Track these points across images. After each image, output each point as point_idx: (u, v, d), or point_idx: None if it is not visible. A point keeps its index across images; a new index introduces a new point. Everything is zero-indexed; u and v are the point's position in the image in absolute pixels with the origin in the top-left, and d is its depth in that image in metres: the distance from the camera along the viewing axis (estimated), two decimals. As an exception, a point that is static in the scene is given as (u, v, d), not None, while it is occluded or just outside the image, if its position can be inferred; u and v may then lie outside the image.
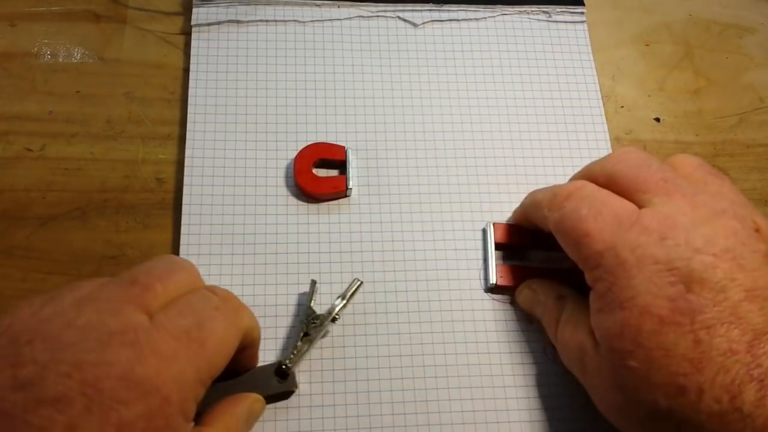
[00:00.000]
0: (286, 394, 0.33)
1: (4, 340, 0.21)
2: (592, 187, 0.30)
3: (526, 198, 0.36)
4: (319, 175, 0.39)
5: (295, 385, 0.33)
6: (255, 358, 0.31)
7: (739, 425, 0.23)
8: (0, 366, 0.21)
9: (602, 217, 0.28)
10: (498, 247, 0.38)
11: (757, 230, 0.27)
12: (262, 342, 0.32)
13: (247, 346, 0.29)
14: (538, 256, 0.39)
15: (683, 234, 0.26)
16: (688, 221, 0.26)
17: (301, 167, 0.38)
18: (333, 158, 0.39)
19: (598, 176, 0.31)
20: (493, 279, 0.37)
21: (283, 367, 0.32)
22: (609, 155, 0.31)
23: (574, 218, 0.29)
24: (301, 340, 0.33)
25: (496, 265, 0.37)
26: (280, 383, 0.32)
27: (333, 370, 0.34)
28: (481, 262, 0.38)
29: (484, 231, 0.39)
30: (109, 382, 0.21)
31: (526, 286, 0.36)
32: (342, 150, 0.39)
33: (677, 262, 0.25)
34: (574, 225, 0.28)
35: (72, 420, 0.20)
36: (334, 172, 0.40)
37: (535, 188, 0.38)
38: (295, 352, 0.33)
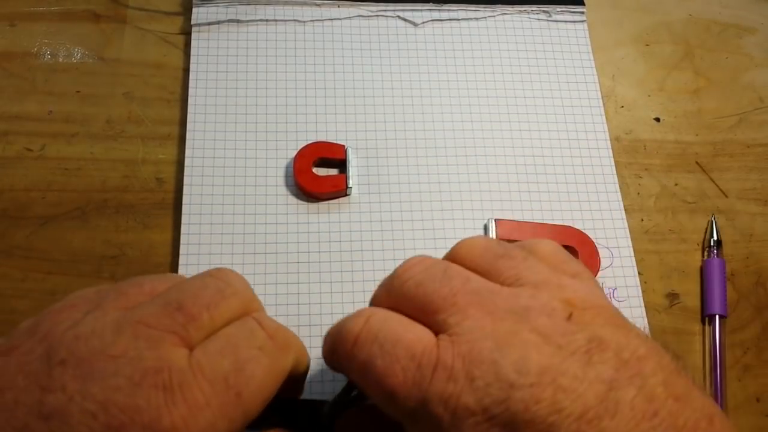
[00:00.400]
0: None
1: (39, 352, 0.21)
2: (379, 317, 0.25)
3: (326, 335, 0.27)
4: (319, 174, 0.39)
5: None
6: (299, 391, 0.29)
7: None
8: (30, 384, 0.20)
9: (400, 366, 0.23)
10: None
11: (569, 317, 0.23)
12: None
13: (296, 374, 0.26)
14: None
15: (491, 368, 0.22)
16: (492, 347, 0.22)
17: (301, 166, 0.38)
18: (333, 157, 0.39)
19: (388, 298, 0.26)
20: None
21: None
22: (392, 275, 0.26)
23: (372, 375, 0.24)
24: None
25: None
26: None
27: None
28: None
29: (485, 227, 0.39)
30: (133, 429, 0.20)
31: None
32: (342, 149, 0.39)
33: (494, 409, 0.21)
34: (375, 383, 0.23)
35: None
36: (333, 171, 0.40)
37: (535, 187, 0.38)
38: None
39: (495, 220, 0.38)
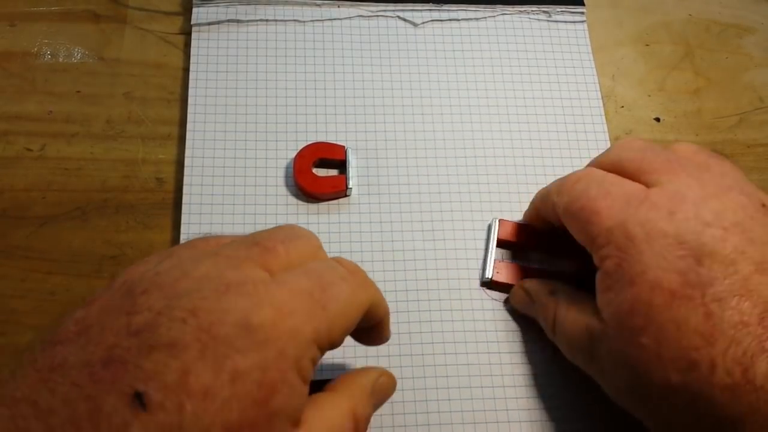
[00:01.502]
0: None
1: (120, 293, 0.21)
2: (600, 172, 0.30)
3: (536, 195, 0.37)
4: (319, 174, 0.39)
5: None
6: (381, 336, 0.29)
7: (752, 397, 0.23)
8: (115, 315, 0.20)
9: (611, 196, 0.28)
10: (501, 244, 0.38)
11: (764, 206, 0.27)
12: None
13: (376, 324, 0.27)
14: (540, 258, 0.39)
15: (692, 208, 0.26)
16: (696, 196, 0.27)
17: (301, 167, 0.38)
18: (333, 158, 0.39)
19: (604, 165, 0.31)
20: (489, 273, 0.37)
21: None
22: (613, 145, 0.32)
23: (584, 198, 0.29)
24: None
25: (495, 260, 0.37)
26: None
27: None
28: (480, 261, 0.38)
29: (489, 226, 0.39)
30: (224, 328, 0.20)
31: (518, 288, 0.36)
32: (342, 149, 0.39)
33: (687, 236, 0.25)
34: (583, 205, 0.29)
35: (186, 365, 0.19)
36: (333, 172, 0.40)
37: (535, 188, 0.38)
38: None
39: (498, 220, 0.38)
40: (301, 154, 0.38)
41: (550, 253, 0.38)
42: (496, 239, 0.38)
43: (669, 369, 0.25)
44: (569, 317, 0.30)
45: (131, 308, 0.20)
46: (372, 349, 0.35)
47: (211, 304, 0.20)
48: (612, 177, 0.29)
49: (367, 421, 0.25)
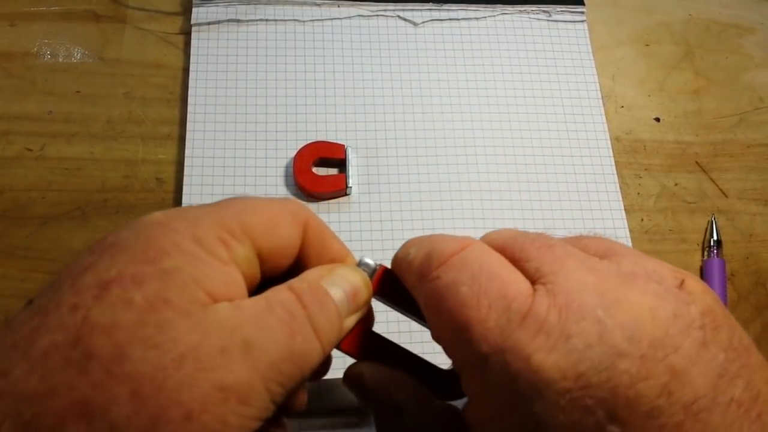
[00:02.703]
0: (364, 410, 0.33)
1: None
2: (478, 251, 0.22)
3: (403, 246, 0.26)
4: (319, 174, 0.39)
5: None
6: (327, 245, 0.23)
7: None
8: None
9: (487, 302, 0.20)
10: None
11: (681, 285, 0.20)
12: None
13: (314, 238, 0.22)
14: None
15: (595, 327, 0.18)
16: (596, 302, 0.19)
17: (301, 166, 0.38)
18: (333, 157, 0.39)
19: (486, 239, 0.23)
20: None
21: None
22: (484, 235, 0.24)
23: (451, 299, 0.20)
24: None
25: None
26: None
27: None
28: None
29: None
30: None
31: (354, 372, 0.24)
32: (341, 148, 0.39)
33: (592, 377, 0.18)
34: (449, 308, 0.20)
35: (84, 264, 0.18)
36: (333, 171, 0.40)
37: (536, 186, 0.37)
38: None
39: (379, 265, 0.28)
40: (301, 154, 0.38)
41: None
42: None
43: None
44: None
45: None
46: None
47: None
48: (492, 264, 0.21)
49: (324, 295, 0.21)
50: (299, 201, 0.23)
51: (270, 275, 0.21)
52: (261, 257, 0.20)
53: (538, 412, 0.18)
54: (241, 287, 0.19)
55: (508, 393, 0.19)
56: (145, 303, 0.17)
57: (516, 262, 0.21)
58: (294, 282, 0.20)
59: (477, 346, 0.19)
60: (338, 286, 0.22)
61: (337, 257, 0.23)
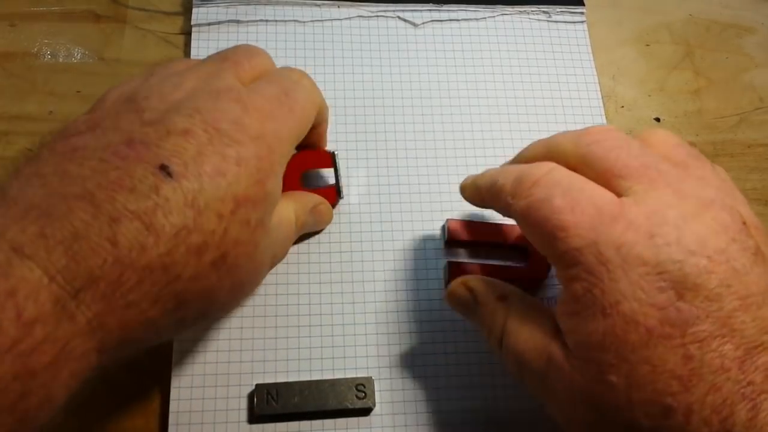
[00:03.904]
0: (364, 410, 0.34)
1: (121, 100, 0.26)
2: (563, 172, 0.26)
3: (481, 177, 0.31)
4: (310, 188, 0.36)
5: (373, 402, 0.33)
6: (324, 136, 0.36)
7: None
8: (124, 114, 0.24)
9: (580, 208, 0.24)
10: (457, 244, 0.38)
11: (744, 223, 0.24)
12: (273, 352, 0.31)
13: (319, 123, 0.33)
14: (495, 253, 0.38)
15: (674, 232, 0.23)
16: (677, 216, 0.23)
17: (290, 183, 0.34)
18: (321, 167, 0.37)
19: (568, 157, 0.27)
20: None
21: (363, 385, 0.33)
22: (581, 132, 0.28)
23: (546, 209, 0.25)
24: None
25: (451, 263, 0.36)
26: (359, 399, 0.33)
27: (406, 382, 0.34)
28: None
29: (443, 228, 0.38)
30: (225, 123, 0.24)
31: (459, 285, 0.31)
32: (328, 158, 0.37)
33: (668, 265, 0.22)
34: (546, 217, 0.25)
35: (199, 148, 0.23)
36: (328, 176, 0.38)
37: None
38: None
39: (448, 220, 0.38)
40: (289, 169, 0.32)
41: (504, 246, 0.37)
42: (445, 241, 0.37)
43: (639, 413, 0.22)
44: (523, 333, 0.27)
45: (138, 108, 0.24)
46: (363, 351, 0.35)
47: (209, 105, 0.25)
48: (578, 182, 0.25)
49: (304, 225, 0.34)
50: (309, 80, 0.31)
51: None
52: None
53: (621, 289, 0.23)
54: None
55: (598, 275, 0.23)
56: (256, 224, 0.25)
57: (611, 177, 0.25)
58: (299, 209, 0.33)
59: (573, 241, 0.24)
60: (314, 217, 0.36)
61: (322, 119, 0.35)
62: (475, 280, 0.30)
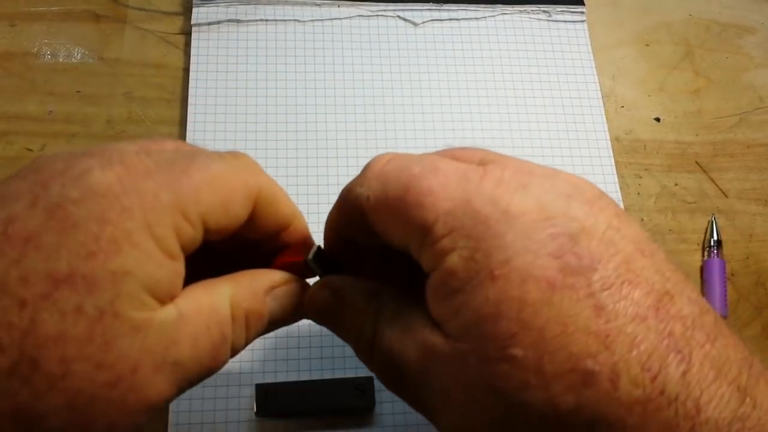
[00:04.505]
0: (364, 410, 0.33)
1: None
2: (406, 154, 0.23)
3: (339, 196, 0.25)
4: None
5: (373, 402, 0.33)
6: (292, 236, 0.24)
7: (669, 413, 0.18)
8: None
9: (442, 172, 0.21)
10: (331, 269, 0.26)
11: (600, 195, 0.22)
12: (273, 352, 0.31)
13: (281, 228, 0.23)
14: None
15: (545, 181, 0.21)
16: (542, 172, 0.21)
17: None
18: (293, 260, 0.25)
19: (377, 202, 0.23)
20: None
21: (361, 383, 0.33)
22: (368, 175, 0.23)
23: (404, 177, 0.21)
24: None
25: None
26: (359, 399, 0.33)
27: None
28: None
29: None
30: (60, 180, 0.18)
31: (320, 287, 0.24)
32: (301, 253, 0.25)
33: (552, 210, 0.20)
34: (405, 185, 0.21)
35: (12, 214, 0.18)
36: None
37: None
38: None
39: (318, 246, 0.25)
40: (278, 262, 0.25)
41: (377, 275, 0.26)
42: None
43: (555, 388, 0.18)
44: (394, 333, 0.22)
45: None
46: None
47: (56, 164, 0.19)
48: (432, 155, 0.23)
49: (259, 319, 0.22)
50: (250, 160, 0.22)
51: (211, 239, 0.21)
52: (206, 232, 0.20)
53: (509, 243, 0.19)
54: (182, 279, 0.20)
55: (478, 236, 0.20)
56: (95, 313, 0.17)
57: (463, 159, 0.22)
58: (239, 293, 0.21)
59: (441, 203, 0.20)
60: (278, 300, 0.23)
61: (285, 222, 0.23)
62: (339, 279, 0.24)
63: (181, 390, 0.20)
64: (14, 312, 0.17)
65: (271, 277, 0.23)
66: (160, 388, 0.19)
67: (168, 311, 0.19)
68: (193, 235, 0.19)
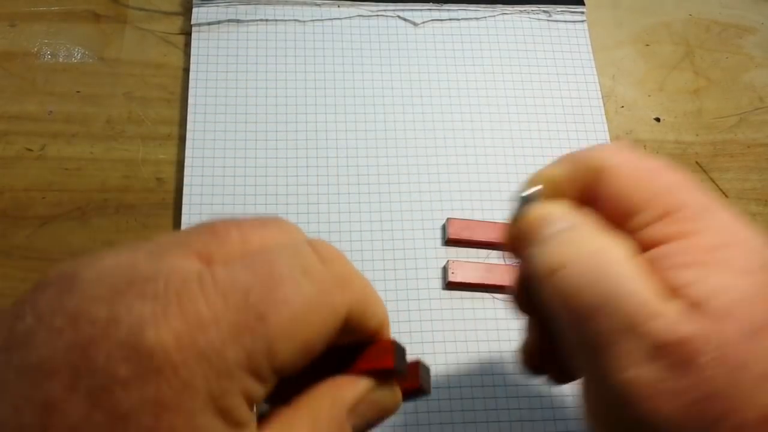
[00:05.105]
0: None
1: (36, 285, 0.16)
2: (582, 234, 0.20)
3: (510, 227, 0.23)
4: None
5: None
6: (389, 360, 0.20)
7: None
8: (8, 316, 0.16)
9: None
10: (455, 244, 0.38)
11: None
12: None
13: (365, 338, 0.19)
14: (495, 253, 0.38)
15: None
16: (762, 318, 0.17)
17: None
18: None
19: (580, 187, 0.22)
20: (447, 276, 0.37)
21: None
22: (600, 157, 0.21)
23: (571, 292, 0.19)
24: None
25: (450, 261, 0.37)
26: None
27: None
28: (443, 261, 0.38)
29: (443, 227, 0.38)
30: (104, 346, 0.14)
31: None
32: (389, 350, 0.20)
33: None
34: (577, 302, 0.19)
35: (49, 398, 0.14)
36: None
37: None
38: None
39: (448, 219, 0.38)
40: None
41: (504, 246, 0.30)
42: (445, 241, 0.38)
43: None
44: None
45: (20, 309, 0.16)
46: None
47: (97, 310, 0.15)
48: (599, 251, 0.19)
49: None
50: (343, 266, 0.17)
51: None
52: (280, 377, 0.16)
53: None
54: None
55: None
56: None
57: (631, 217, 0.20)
58: (321, 428, 0.18)
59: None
60: (361, 417, 0.19)
61: (371, 336, 0.19)
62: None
63: None
64: None
65: (354, 393, 0.19)
66: None
67: None
68: (265, 391, 0.16)
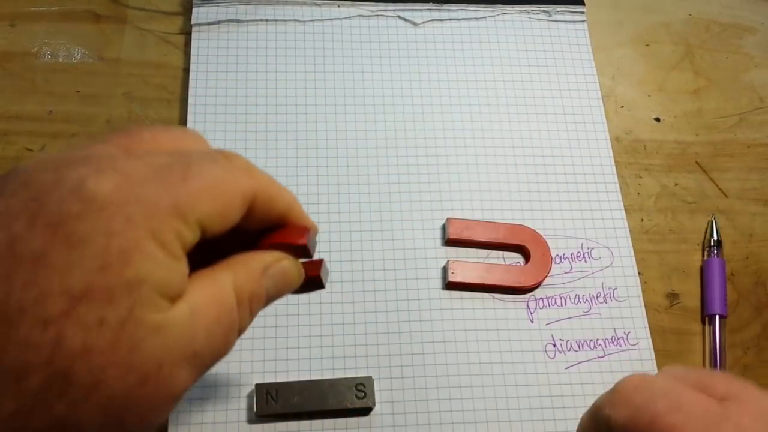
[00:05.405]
0: (364, 410, 0.34)
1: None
2: (660, 378, 0.26)
3: (581, 420, 0.29)
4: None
5: (373, 402, 0.33)
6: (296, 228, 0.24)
7: None
8: None
9: (684, 412, 0.23)
10: (455, 244, 0.38)
11: None
12: (273, 352, 0.31)
13: (279, 218, 0.24)
14: (495, 253, 0.38)
15: None
16: None
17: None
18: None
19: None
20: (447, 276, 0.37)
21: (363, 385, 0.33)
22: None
23: (650, 412, 0.24)
24: None
25: (450, 261, 0.37)
26: (359, 399, 0.33)
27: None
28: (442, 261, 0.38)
29: (443, 227, 0.39)
30: (55, 195, 0.18)
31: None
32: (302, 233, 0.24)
33: None
34: (651, 420, 0.23)
35: (12, 234, 0.17)
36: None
37: (535, 186, 0.38)
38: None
39: (448, 219, 0.38)
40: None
41: (504, 246, 0.37)
42: (445, 241, 0.38)
43: None
44: None
45: None
46: (363, 351, 0.35)
47: (45, 176, 0.18)
48: (678, 385, 0.25)
49: (259, 300, 0.23)
50: (244, 162, 0.22)
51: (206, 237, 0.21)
52: (203, 233, 0.21)
53: None
54: (187, 276, 0.20)
55: None
56: (117, 322, 0.17)
57: (706, 387, 0.25)
58: (238, 279, 0.22)
59: None
60: (272, 279, 0.23)
61: (281, 217, 0.24)
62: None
63: (200, 377, 0.21)
64: (38, 333, 0.17)
65: (264, 258, 0.23)
66: (183, 379, 0.20)
67: (181, 309, 0.20)
68: (192, 237, 0.20)
